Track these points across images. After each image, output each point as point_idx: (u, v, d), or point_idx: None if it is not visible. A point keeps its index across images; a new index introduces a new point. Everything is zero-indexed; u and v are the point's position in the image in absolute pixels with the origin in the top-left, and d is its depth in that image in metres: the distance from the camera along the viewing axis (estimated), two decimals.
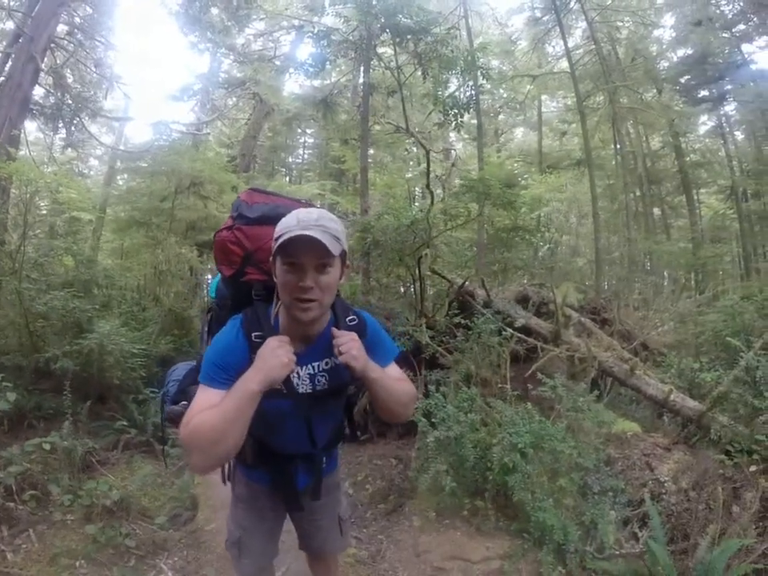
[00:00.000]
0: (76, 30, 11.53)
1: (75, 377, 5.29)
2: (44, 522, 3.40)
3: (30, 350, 5.44)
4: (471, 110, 8.32)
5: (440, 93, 7.95)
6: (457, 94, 7.94)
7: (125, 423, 5.40)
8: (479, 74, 7.77)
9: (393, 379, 1.62)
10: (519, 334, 5.29)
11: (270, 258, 1.48)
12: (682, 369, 4.72)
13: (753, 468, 3.27)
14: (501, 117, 19.86)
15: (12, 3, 10.88)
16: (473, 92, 8.12)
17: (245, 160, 14.88)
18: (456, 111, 7.68)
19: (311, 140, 20.82)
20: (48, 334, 5.67)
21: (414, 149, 16.47)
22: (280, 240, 1.38)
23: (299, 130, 19.41)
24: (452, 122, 7.89)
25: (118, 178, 15.72)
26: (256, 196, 1.78)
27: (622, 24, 14.01)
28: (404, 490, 4.21)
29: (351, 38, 8.37)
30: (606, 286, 10.64)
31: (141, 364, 5.98)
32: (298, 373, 1.58)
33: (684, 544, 3.09)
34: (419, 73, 8.65)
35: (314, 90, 14.75)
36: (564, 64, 14.73)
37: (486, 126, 16.78)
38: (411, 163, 17.37)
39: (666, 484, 3.49)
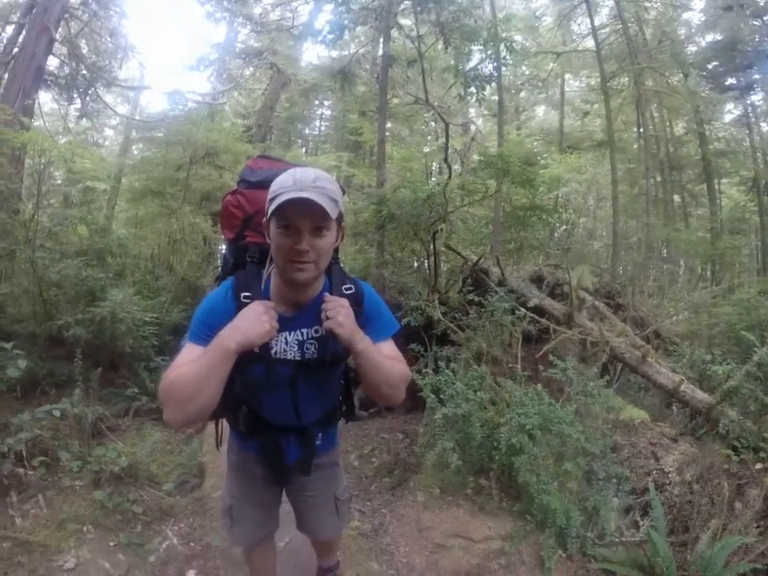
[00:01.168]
0: (90, 0, 11.44)
1: (87, 344, 5.37)
2: (53, 488, 3.43)
3: (44, 317, 5.51)
4: (493, 84, 8.09)
5: (461, 65, 7.73)
6: (479, 66, 7.71)
7: (136, 390, 5.50)
8: (503, 46, 7.51)
9: (383, 356, 1.52)
10: (532, 315, 5.23)
11: (264, 220, 1.44)
12: (693, 359, 4.66)
13: (759, 466, 3.24)
14: (522, 94, 19.49)
15: None
16: (495, 65, 7.84)
17: (261, 130, 14.73)
18: (478, 84, 7.47)
19: (328, 112, 20.55)
20: (61, 302, 5.75)
21: (433, 123, 16.22)
22: (275, 202, 1.32)
23: (316, 102, 19.18)
24: (473, 96, 7.69)
25: (133, 147, 15.69)
26: (261, 162, 1.78)
27: (650, 4, 13.52)
28: (409, 464, 4.23)
29: (371, 5, 8.12)
30: (622, 271, 10.46)
31: (153, 332, 6.06)
32: (286, 338, 1.54)
33: (684, 536, 3.09)
34: (440, 45, 8.39)
35: (332, 61, 14.51)
36: (589, 43, 14.34)
37: (507, 103, 16.45)
38: (429, 138, 17.12)
39: (670, 475, 3.49)
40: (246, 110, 18.25)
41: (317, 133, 21.37)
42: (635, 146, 15.24)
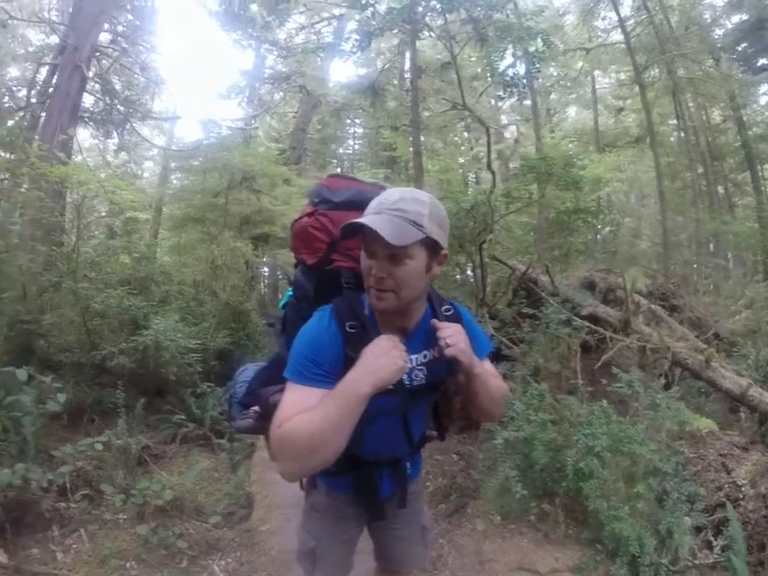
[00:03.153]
0: (119, 38, 11.91)
1: (131, 373, 5.42)
2: (95, 522, 3.38)
3: (89, 347, 5.56)
4: (531, 80, 7.80)
5: (497, 63, 7.50)
6: (516, 64, 7.49)
7: (182, 417, 5.48)
8: (539, 40, 7.28)
9: (491, 376, 1.51)
10: (588, 324, 4.99)
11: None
12: (758, 360, 4.31)
13: None
14: (552, 96, 19.16)
15: (54, 17, 11.38)
16: (533, 60, 7.54)
17: (295, 153, 14.95)
18: (517, 81, 7.23)
19: (360, 130, 20.69)
20: (105, 331, 5.80)
21: (466, 133, 16.08)
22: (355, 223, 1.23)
23: (348, 121, 19.33)
24: (513, 95, 7.47)
25: (172, 177, 16.11)
26: (338, 181, 1.65)
27: None
28: (466, 489, 3.98)
29: (396, 9, 7.98)
30: (674, 270, 10.00)
31: (198, 359, 6.02)
32: None
33: (760, 555, 2.85)
34: (469, 47, 8.23)
35: (359, 79, 14.63)
36: (615, 37, 14.12)
37: (538, 106, 16.19)
38: (462, 148, 16.98)
39: (743, 488, 3.22)
40: (278, 133, 18.63)
41: (350, 151, 21.59)
42: (671, 139, 14.72)
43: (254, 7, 12.50)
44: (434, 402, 1.66)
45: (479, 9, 7.26)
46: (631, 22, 13.44)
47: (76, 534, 3.25)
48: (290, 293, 1.97)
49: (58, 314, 5.88)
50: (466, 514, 3.69)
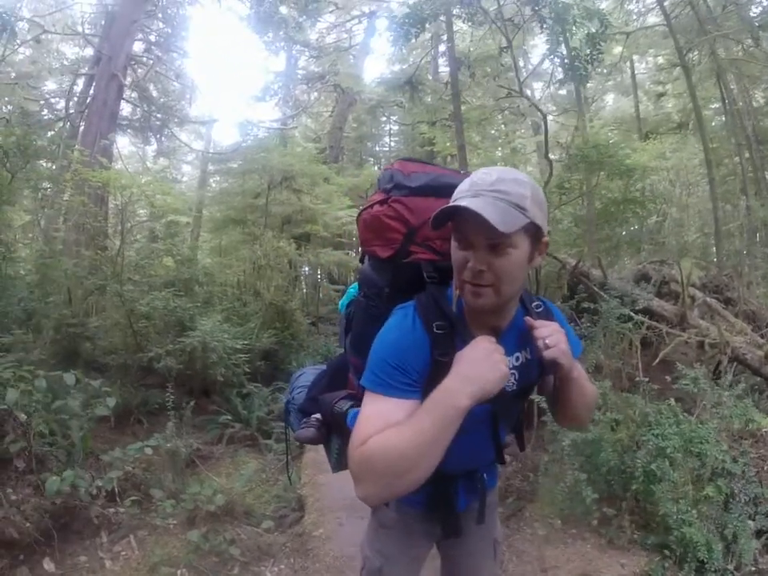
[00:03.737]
0: (153, 47, 12.15)
1: (179, 374, 5.45)
2: (145, 527, 3.32)
3: (135, 348, 5.64)
4: (596, 62, 7.40)
5: (557, 47, 7.18)
6: (578, 45, 7.14)
7: (229, 417, 5.51)
8: (597, 20, 6.93)
9: (585, 379, 1.34)
10: (646, 319, 4.83)
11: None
12: None
13: None
14: (590, 84, 18.66)
15: (87, 30, 11.78)
16: (594, 42, 7.15)
17: (333, 151, 15.00)
18: (578, 65, 6.92)
19: (395, 127, 20.58)
20: (151, 333, 5.85)
21: (503, 125, 15.82)
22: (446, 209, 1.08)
23: (383, 118, 19.24)
24: (577, 79, 7.18)
25: (211, 180, 16.37)
26: (410, 165, 1.45)
27: None
28: (523, 491, 3.84)
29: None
30: (726, 261, 9.57)
31: (244, 359, 6.03)
32: None
33: None
34: (503, 40, 7.98)
35: (392, 75, 14.58)
36: (651, 19, 13.65)
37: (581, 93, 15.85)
38: (500, 141, 16.70)
39: None
40: (314, 133, 18.68)
41: (387, 149, 21.44)
42: (713, 123, 14.09)
43: (283, 9, 12.51)
44: (522, 408, 1.52)
45: None
46: (667, 3, 12.96)
47: (125, 541, 3.20)
48: (353, 290, 1.83)
49: (103, 317, 5.99)
50: (524, 517, 3.57)
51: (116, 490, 3.37)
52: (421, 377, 1.13)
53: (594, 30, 6.94)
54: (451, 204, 1.06)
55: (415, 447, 1.01)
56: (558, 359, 1.15)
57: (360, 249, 1.64)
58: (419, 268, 1.32)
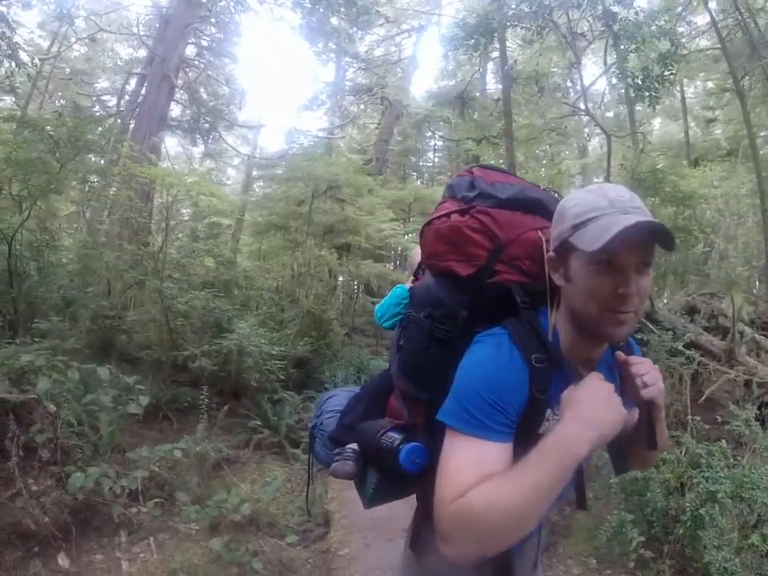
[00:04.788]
0: (205, 51, 12.46)
1: (210, 375, 5.41)
2: (166, 531, 3.21)
3: (170, 345, 5.65)
4: (667, 83, 7.16)
5: (626, 66, 6.97)
6: (647, 65, 6.93)
7: (258, 422, 5.43)
8: (669, 40, 6.73)
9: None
10: (695, 355, 4.64)
11: (549, 254, 1.06)
12: None
13: None
14: (638, 107, 18.32)
15: (141, 31, 12.16)
16: (666, 63, 6.90)
17: (378, 164, 15.05)
18: (649, 85, 6.71)
19: (440, 143, 20.58)
20: (187, 331, 5.88)
21: (548, 146, 15.63)
22: (609, 231, 0.91)
23: (429, 133, 19.23)
24: (646, 100, 6.98)
25: (255, 185, 16.58)
26: (492, 174, 1.28)
27: None
28: (557, 526, 3.64)
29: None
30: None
31: (279, 366, 5.99)
32: None
33: None
34: (554, 59, 7.84)
35: (439, 90, 14.56)
36: (702, 42, 13.30)
37: (622, 118, 15.48)
38: (544, 162, 16.51)
39: None
40: (359, 144, 18.83)
41: (430, 164, 21.46)
42: (761, 152, 13.57)
43: (334, 20, 12.66)
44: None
45: (609, 2, 6.73)
46: (720, 26, 12.64)
47: (144, 543, 3.11)
48: (391, 299, 1.66)
49: (140, 312, 6.05)
50: (557, 553, 3.38)
51: (139, 488, 3.26)
52: (518, 416, 0.99)
53: (663, 50, 6.72)
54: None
55: (526, 501, 0.87)
56: (656, 399, 1.02)
57: (411, 262, 1.57)
58: (503, 290, 1.15)
